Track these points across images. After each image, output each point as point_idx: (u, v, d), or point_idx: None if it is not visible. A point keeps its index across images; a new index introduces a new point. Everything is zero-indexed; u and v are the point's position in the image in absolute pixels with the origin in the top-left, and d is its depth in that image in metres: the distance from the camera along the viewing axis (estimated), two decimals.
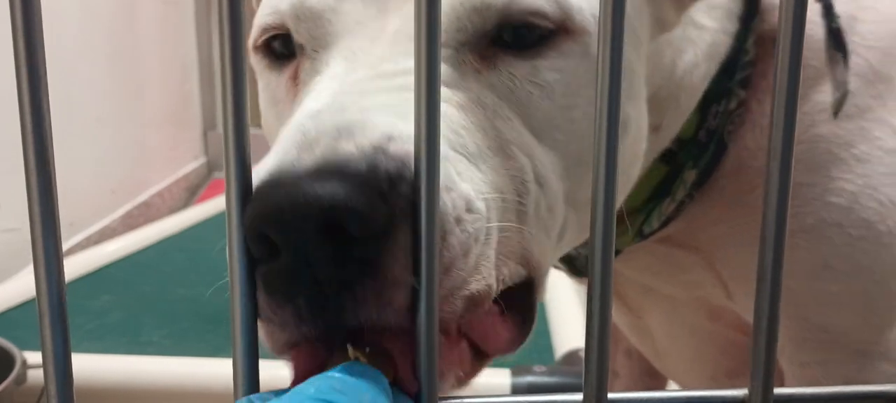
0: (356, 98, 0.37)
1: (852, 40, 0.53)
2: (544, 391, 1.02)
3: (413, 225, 0.30)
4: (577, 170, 0.43)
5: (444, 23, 0.40)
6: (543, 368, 1.07)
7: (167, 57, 2.58)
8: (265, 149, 0.39)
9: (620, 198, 0.51)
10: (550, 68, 0.41)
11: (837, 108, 0.51)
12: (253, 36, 0.47)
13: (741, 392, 0.32)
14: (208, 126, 2.89)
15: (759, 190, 0.52)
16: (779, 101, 0.29)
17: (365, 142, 0.33)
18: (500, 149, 0.40)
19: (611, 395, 0.30)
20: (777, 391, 0.31)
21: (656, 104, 0.50)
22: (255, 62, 0.47)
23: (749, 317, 0.58)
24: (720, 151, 0.53)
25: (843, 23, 0.53)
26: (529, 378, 1.05)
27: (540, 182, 0.41)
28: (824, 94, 0.53)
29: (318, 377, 0.29)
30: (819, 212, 0.53)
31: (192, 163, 2.75)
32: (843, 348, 0.56)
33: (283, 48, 0.45)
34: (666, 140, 0.53)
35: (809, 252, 0.53)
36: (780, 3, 0.28)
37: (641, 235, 0.56)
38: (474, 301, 0.36)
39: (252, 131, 0.28)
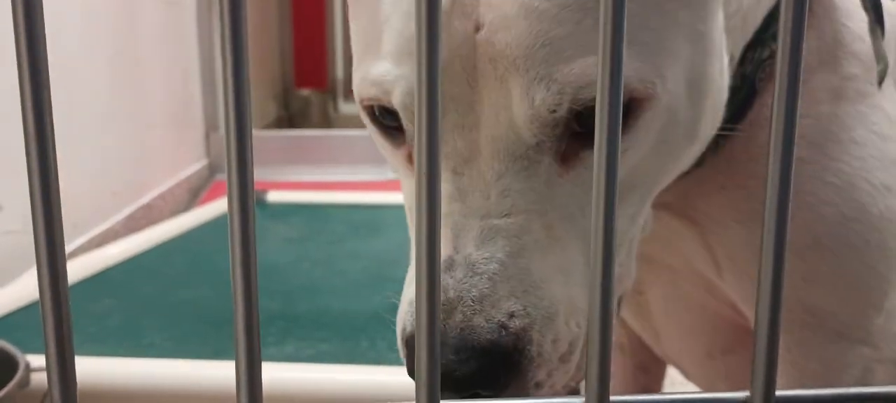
0: (476, 250, 0.44)
1: (854, 31, 0.54)
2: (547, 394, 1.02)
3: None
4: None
5: (523, 136, 0.44)
6: None
7: (169, 58, 2.58)
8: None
9: (693, 159, 0.53)
10: (624, 149, 0.45)
11: (881, 79, 0.52)
12: (356, 91, 0.49)
13: (743, 394, 0.32)
14: (210, 128, 2.89)
15: (763, 161, 0.53)
16: (778, 115, 0.29)
17: (494, 318, 0.43)
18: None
19: (613, 398, 0.30)
20: (779, 393, 0.31)
21: (728, 34, 0.52)
22: (362, 115, 0.51)
23: (737, 299, 0.59)
24: (751, 97, 0.54)
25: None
26: None
27: (629, 249, 0.50)
28: (833, 76, 0.54)
29: None
30: (816, 190, 0.54)
31: (194, 166, 2.76)
32: (826, 331, 0.56)
33: (390, 120, 0.48)
34: (734, 66, 0.54)
35: (802, 229, 0.54)
36: (782, 2, 0.28)
37: None
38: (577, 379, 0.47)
39: (254, 133, 0.28)
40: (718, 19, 0.49)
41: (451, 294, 0.43)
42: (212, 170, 2.88)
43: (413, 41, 0.44)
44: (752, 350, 0.31)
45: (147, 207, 2.30)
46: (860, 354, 0.57)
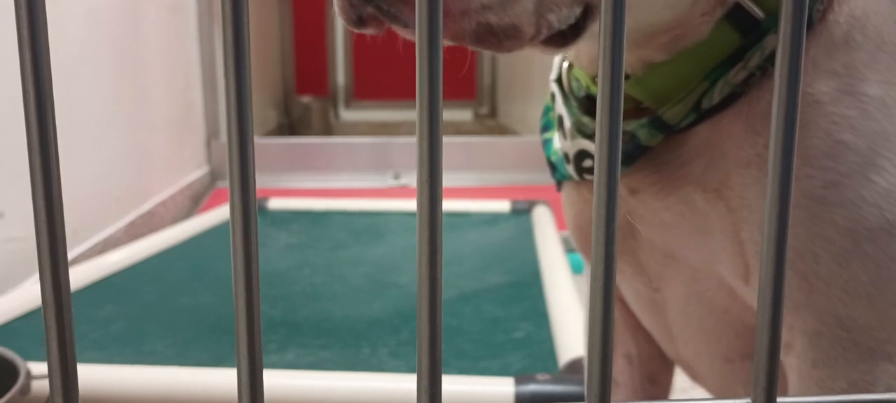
0: None
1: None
2: (548, 399, 1.02)
3: None
4: None
5: None
6: (547, 376, 1.07)
7: (170, 65, 2.59)
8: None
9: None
10: None
11: None
12: None
13: (744, 401, 0.32)
14: (211, 134, 2.90)
15: (815, 109, 0.49)
16: (779, 106, 0.29)
17: None
18: None
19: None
20: (780, 399, 0.31)
21: None
22: None
23: None
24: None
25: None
26: (533, 387, 1.05)
27: None
28: (883, 54, 0.52)
29: None
30: (859, 187, 0.50)
31: (196, 173, 2.76)
32: (855, 347, 0.53)
33: None
34: None
35: (844, 231, 0.51)
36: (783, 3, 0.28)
37: (697, 111, 0.53)
38: (493, 31, 0.39)
39: (255, 140, 0.28)
40: None
41: None
42: (213, 177, 2.89)
43: None
44: (754, 354, 0.31)
45: (148, 214, 2.30)
46: (885, 371, 0.53)
